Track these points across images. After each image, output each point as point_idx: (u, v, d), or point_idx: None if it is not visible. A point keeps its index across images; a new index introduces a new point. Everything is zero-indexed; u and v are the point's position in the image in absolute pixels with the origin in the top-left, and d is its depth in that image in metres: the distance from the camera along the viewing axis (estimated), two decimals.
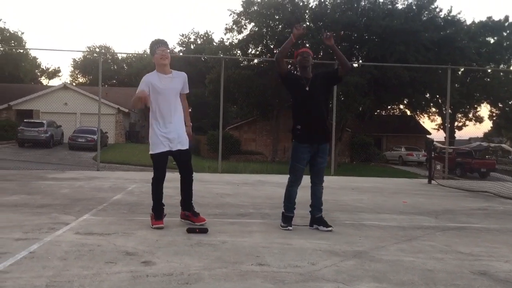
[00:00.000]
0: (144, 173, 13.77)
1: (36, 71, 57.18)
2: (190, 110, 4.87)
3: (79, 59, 61.13)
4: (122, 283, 2.89)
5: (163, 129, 4.81)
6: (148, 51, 5.06)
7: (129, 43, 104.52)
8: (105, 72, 44.87)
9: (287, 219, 4.94)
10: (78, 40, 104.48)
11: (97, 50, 58.47)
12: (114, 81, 59.98)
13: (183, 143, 4.91)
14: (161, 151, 4.79)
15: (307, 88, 4.85)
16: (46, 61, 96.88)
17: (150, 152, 4.86)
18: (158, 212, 4.89)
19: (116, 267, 3.23)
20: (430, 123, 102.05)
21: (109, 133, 30.96)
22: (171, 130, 4.82)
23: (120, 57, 62.60)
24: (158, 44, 4.85)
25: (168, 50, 4.91)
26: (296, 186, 4.99)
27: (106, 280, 2.94)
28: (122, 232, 4.43)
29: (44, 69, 60.47)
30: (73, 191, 7.73)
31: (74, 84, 52.22)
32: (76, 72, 62.76)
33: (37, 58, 55.87)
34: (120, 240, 4.11)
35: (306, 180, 5.02)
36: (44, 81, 59.97)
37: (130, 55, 63.44)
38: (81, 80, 61.54)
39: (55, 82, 60.37)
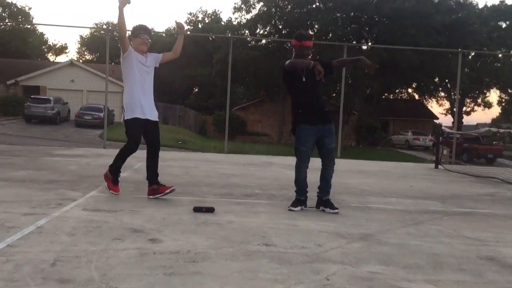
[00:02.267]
0: None
1: (43, 47, 57.10)
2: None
3: (86, 36, 60.90)
4: (129, 259, 2.90)
5: (141, 98, 5.14)
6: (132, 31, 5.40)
7: (137, 20, 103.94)
8: (112, 50, 44.76)
9: (296, 201, 4.95)
10: (86, 16, 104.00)
11: (105, 27, 58.18)
12: None
13: (155, 116, 5.26)
14: (137, 116, 5.09)
15: (303, 79, 4.86)
16: (53, 37, 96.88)
17: (126, 118, 5.14)
18: (116, 177, 5.26)
19: (123, 244, 3.24)
20: (438, 108, 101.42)
21: (115, 111, 31.01)
22: (146, 101, 5.18)
23: (127, 35, 62.24)
24: (142, 31, 5.29)
25: (149, 39, 5.35)
26: (303, 169, 4.98)
27: (114, 256, 2.96)
28: (129, 210, 4.44)
29: (51, 45, 60.36)
30: (80, 168, 7.76)
31: (81, 61, 52.13)
32: (83, 49, 62.54)
33: (44, 34, 55.86)
34: (127, 217, 4.12)
35: (316, 162, 5.00)
36: (51, 57, 59.91)
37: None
38: (88, 57, 61.38)
39: (62, 58, 60.37)
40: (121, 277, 2.59)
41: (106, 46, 14.48)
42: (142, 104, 5.11)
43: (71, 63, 35.70)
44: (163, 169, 8.01)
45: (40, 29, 52.15)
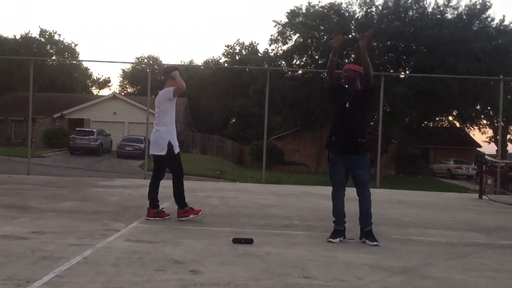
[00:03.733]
0: (190, 182, 14.01)
1: (88, 81, 59.36)
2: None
3: (128, 70, 63.00)
4: None
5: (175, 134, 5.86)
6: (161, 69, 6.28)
7: (176, 53, 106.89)
8: (152, 82, 46.05)
9: (334, 232, 4.93)
10: (127, 51, 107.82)
11: (146, 61, 60.12)
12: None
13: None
14: (178, 151, 5.88)
15: (347, 105, 4.93)
16: (97, 71, 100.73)
17: (176, 151, 5.80)
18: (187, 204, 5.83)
19: (165, 275, 3.31)
20: (480, 136, 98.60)
21: None
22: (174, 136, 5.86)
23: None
24: (177, 72, 5.88)
25: None
26: (338, 198, 4.98)
27: (156, 287, 3.02)
28: (170, 241, 4.53)
29: (95, 79, 62.71)
30: (122, 199, 7.97)
31: (123, 94, 53.86)
32: (125, 82, 64.67)
33: (89, 69, 57.99)
34: (168, 248, 4.21)
35: (353, 193, 4.99)
36: (95, 91, 62.16)
37: (177, 65, 64.92)
38: (129, 90, 63.33)
39: (105, 92, 62.38)
40: None
41: (148, 79, 14.95)
42: (174, 138, 5.84)
43: (113, 96, 36.99)
44: (202, 200, 8.14)
45: (85, 64, 54.40)
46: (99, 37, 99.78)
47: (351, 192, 5.08)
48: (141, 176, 14.90)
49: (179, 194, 5.84)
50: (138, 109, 32.77)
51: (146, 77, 14.89)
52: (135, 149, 27.40)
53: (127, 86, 64.64)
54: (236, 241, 4.58)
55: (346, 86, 5.06)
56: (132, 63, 68.09)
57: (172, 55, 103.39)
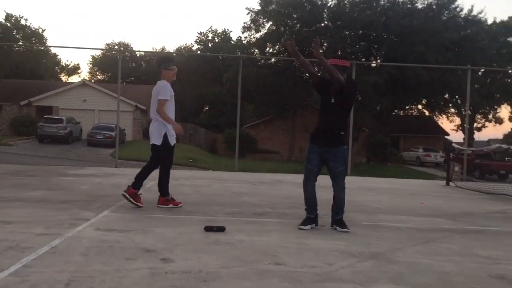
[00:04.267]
0: None
1: (56, 68, 57.97)
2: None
3: (98, 56, 61.75)
4: (142, 279, 2.95)
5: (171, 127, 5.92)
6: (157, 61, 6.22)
7: (148, 40, 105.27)
8: (123, 70, 45.26)
9: (306, 219, 4.98)
10: (97, 37, 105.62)
11: (116, 47, 59.03)
12: (132, 79, 60.44)
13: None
14: (174, 143, 5.99)
15: (332, 100, 4.93)
16: (65, 58, 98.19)
17: (172, 143, 5.94)
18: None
19: (136, 264, 3.29)
20: (448, 124, 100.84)
21: (126, 130, 31.27)
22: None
23: (138, 55, 63.13)
24: (172, 62, 6.06)
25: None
26: (309, 186, 5.02)
27: (127, 276, 3.00)
28: (141, 229, 4.50)
29: (64, 66, 61.29)
30: (92, 187, 7.86)
31: (92, 81, 52.84)
32: (95, 69, 63.42)
33: (57, 55, 56.58)
34: (139, 237, 4.18)
35: (329, 181, 5.04)
36: (64, 78, 60.81)
37: (149, 53, 63.92)
38: (99, 77, 62.17)
39: (75, 79, 61.16)
40: None
41: (118, 66, 14.69)
42: (172, 133, 5.93)
43: (83, 83, 36.24)
44: (175, 188, 8.08)
45: (53, 50, 53.01)
46: (68, 23, 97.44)
47: (326, 180, 5.13)
48: (112, 165, 14.71)
49: (163, 182, 5.98)
50: (109, 97, 32.23)
51: (116, 64, 14.62)
52: (106, 137, 26.98)
53: (97, 73, 63.41)
54: (208, 229, 4.57)
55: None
56: (102, 49, 66.73)
57: (143, 42, 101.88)
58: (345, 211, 5.04)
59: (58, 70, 59.55)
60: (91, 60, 63.11)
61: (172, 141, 5.95)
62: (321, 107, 5.12)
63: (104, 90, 33.99)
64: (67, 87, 35.77)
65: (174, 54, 57.43)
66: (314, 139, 5.02)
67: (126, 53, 59.32)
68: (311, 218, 4.99)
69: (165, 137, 5.85)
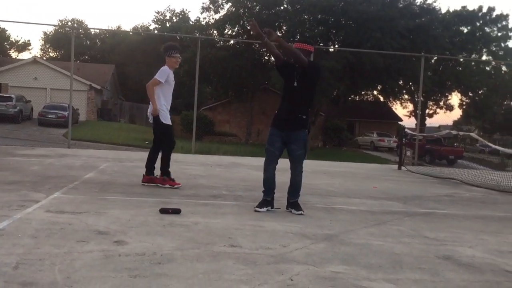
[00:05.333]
0: (117, 152, 13.65)
1: (5, 43, 55.40)
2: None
3: (50, 33, 59.48)
4: (94, 262, 2.89)
5: (167, 108, 6.30)
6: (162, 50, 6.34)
7: (103, 18, 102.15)
8: (77, 48, 43.71)
9: (262, 202, 5.01)
10: (50, 12, 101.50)
11: (70, 24, 56.97)
12: (87, 57, 58.67)
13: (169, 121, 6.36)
14: (170, 123, 6.31)
15: (295, 84, 4.94)
16: (15, 33, 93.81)
17: (166, 122, 6.25)
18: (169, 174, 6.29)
19: (88, 246, 3.22)
20: (402, 110, 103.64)
21: (80, 110, 30.40)
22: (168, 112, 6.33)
23: (93, 33, 61.19)
24: (176, 50, 6.29)
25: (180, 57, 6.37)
26: (270, 168, 5.04)
27: (78, 259, 2.94)
28: (94, 211, 4.40)
29: (14, 41, 58.66)
30: (43, 168, 7.61)
31: (44, 58, 50.85)
32: (47, 46, 61.06)
33: (6, 30, 54.13)
34: (92, 219, 4.09)
35: (286, 164, 5.07)
36: (13, 54, 58.26)
37: (104, 31, 62.04)
38: (52, 54, 59.94)
39: (25, 55, 58.69)
40: (85, 279, 2.58)
41: (71, 44, 14.19)
42: (168, 114, 6.32)
43: (34, 60, 34.80)
44: (130, 170, 7.97)
45: (2, 24, 50.62)
46: None
47: (283, 163, 5.16)
48: (64, 145, 14.31)
49: (163, 163, 6.25)
50: (62, 75, 31.12)
51: (70, 42, 14.10)
52: (58, 117, 26.15)
53: (49, 50, 61.09)
54: (163, 211, 4.53)
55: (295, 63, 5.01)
56: (54, 25, 64.26)
57: (98, 19, 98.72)
58: (300, 194, 5.11)
59: (7, 46, 56.96)
60: (43, 36, 60.76)
61: (165, 120, 6.21)
62: (284, 90, 5.12)
63: (57, 68, 32.79)
64: (16, 64, 34.24)
65: (131, 33, 56.05)
66: (276, 122, 5.03)
67: (80, 30, 57.38)
68: (267, 201, 5.03)
69: (156, 116, 6.15)
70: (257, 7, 33.83)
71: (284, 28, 32.00)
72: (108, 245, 3.29)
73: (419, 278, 3.01)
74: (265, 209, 4.96)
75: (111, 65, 44.47)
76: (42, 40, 61.04)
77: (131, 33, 57.35)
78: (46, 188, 5.56)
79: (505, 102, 49.56)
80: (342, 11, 31.03)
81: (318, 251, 3.50)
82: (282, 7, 33.63)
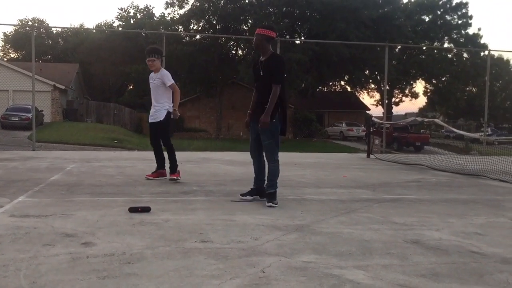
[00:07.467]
0: (84, 152, 13.38)
1: None
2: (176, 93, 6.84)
3: (10, 33, 57.72)
4: (61, 265, 2.83)
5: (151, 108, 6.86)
6: None
7: (65, 16, 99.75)
8: (38, 47, 42.62)
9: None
10: (9, 12, 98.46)
11: (30, 23, 55.41)
12: (49, 57, 57.21)
13: (154, 118, 6.79)
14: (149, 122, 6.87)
15: (261, 73, 5.04)
16: None
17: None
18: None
19: (54, 249, 3.15)
20: (369, 99, 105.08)
21: (45, 111, 29.66)
22: (152, 108, 6.85)
23: (55, 31, 59.66)
24: (147, 54, 6.68)
25: (154, 58, 6.65)
26: (253, 159, 5.29)
27: (44, 263, 2.86)
28: (61, 214, 4.30)
29: None
30: (7, 172, 7.39)
31: (5, 59, 49.34)
32: (7, 47, 59.29)
33: None
34: (59, 221, 3.99)
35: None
36: None
37: (66, 29, 60.61)
38: (12, 55, 58.26)
39: None
40: (52, 284, 2.52)
41: (32, 44, 13.79)
42: (151, 111, 6.84)
43: None
44: (97, 170, 7.82)
45: None
46: None
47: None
48: (29, 148, 13.93)
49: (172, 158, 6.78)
50: (24, 76, 30.23)
51: (30, 42, 13.69)
52: (22, 119, 25.43)
53: (10, 51, 59.33)
54: (133, 210, 4.47)
55: (259, 52, 5.16)
56: (14, 25, 62.42)
57: (59, 18, 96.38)
58: (278, 186, 5.13)
59: None
60: (2, 37, 58.99)
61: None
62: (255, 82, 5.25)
63: (18, 69, 31.87)
64: None
65: (94, 31, 54.94)
66: (250, 113, 5.21)
67: (41, 29, 55.87)
68: (249, 190, 5.26)
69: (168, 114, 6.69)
70: (222, 1, 33.68)
71: (250, 21, 31.97)
72: (75, 247, 3.22)
73: (389, 263, 3.06)
74: (250, 198, 5.22)
75: (75, 64, 43.53)
76: (2, 41, 59.30)
77: (94, 30, 56.23)
78: (10, 192, 5.40)
79: (467, 88, 50.87)
80: (306, 3, 31.22)
81: (289, 242, 3.52)
82: (247, 0, 33.58)
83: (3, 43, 59.23)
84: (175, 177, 6.65)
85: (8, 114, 26.26)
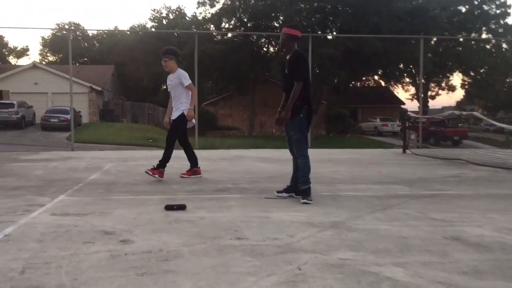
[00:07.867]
0: (120, 152, 13.66)
1: (4, 50, 55.47)
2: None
3: (48, 37, 59.45)
4: (101, 262, 2.88)
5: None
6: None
7: (100, 19, 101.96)
8: (75, 50, 43.60)
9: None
10: (47, 17, 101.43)
11: (66, 27, 56.92)
12: (85, 59, 58.64)
13: (174, 116, 6.83)
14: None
15: (286, 71, 5.11)
16: (13, 39, 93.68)
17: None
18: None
19: (94, 247, 3.21)
20: (404, 93, 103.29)
21: (82, 112, 30.43)
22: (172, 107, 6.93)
23: (90, 34, 61.12)
24: (161, 55, 6.81)
25: (167, 59, 6.73)
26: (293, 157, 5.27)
27: (85, 260, 2.93)
28: (99, 212, 4.40)
29: (12, 48, 58.70)
30: (47, 172, 7.61)
31: (43, 63, 50.86)
32: (46, 50, 61.08)
33: (4, 37, 54.15)
34: (98, 220, 4.08)
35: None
36: (12, 60, 58.32)
37: (101, 31, 61.95)
38: (51, 58, 59.96)
39: (24, 61, 58.73)
40: (92, 280, 2.57)
41: (69, 47, 14.15)
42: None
43: (33, 66, 34.83)
44: (133, 169, 7.96)
45: (0, 32, 50.67)
46: (15, 2, 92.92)
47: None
48: (68, 149, 14.31)
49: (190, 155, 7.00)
50: (62, 79, 31.12)
51: (67, 45, 14.05)
52: (61, 121, 26.19)
53: (48, 54, 61.11)
54: (169, 208, 4.52)
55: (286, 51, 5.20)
56: (51, 29, 64.27)
57: (95, 21, 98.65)
58: (311, 182, 5.08)
59: (6, 53, 57.03)
60: (41, 41, 60.76)
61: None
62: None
63: (56, 72, 32.81)
64: (16, 70, 34.30)
65: (128, 33, 55.92)
66: (281, 111, 5.19)
67: (78, 32, 57.31)
68: (285, 188, 5.26)
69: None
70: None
71: (281, 18, 31.86)
72: (114, 244, 3.28)
73: (428, 260, 2.98)
74: (286, 194, 5.20)
75: (110, 66, 44.43)
76: (41, 44, 61.08)
77: (128, 32, 57.24)
78: (51, 192, 5.56)
79: (507, 80, 49.17)
80: None
81: (325, 239, 3.48)
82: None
83: (42, 47, 61.06)
84: (153, 174, 6.51)
85: (48, 116, 27.08)
